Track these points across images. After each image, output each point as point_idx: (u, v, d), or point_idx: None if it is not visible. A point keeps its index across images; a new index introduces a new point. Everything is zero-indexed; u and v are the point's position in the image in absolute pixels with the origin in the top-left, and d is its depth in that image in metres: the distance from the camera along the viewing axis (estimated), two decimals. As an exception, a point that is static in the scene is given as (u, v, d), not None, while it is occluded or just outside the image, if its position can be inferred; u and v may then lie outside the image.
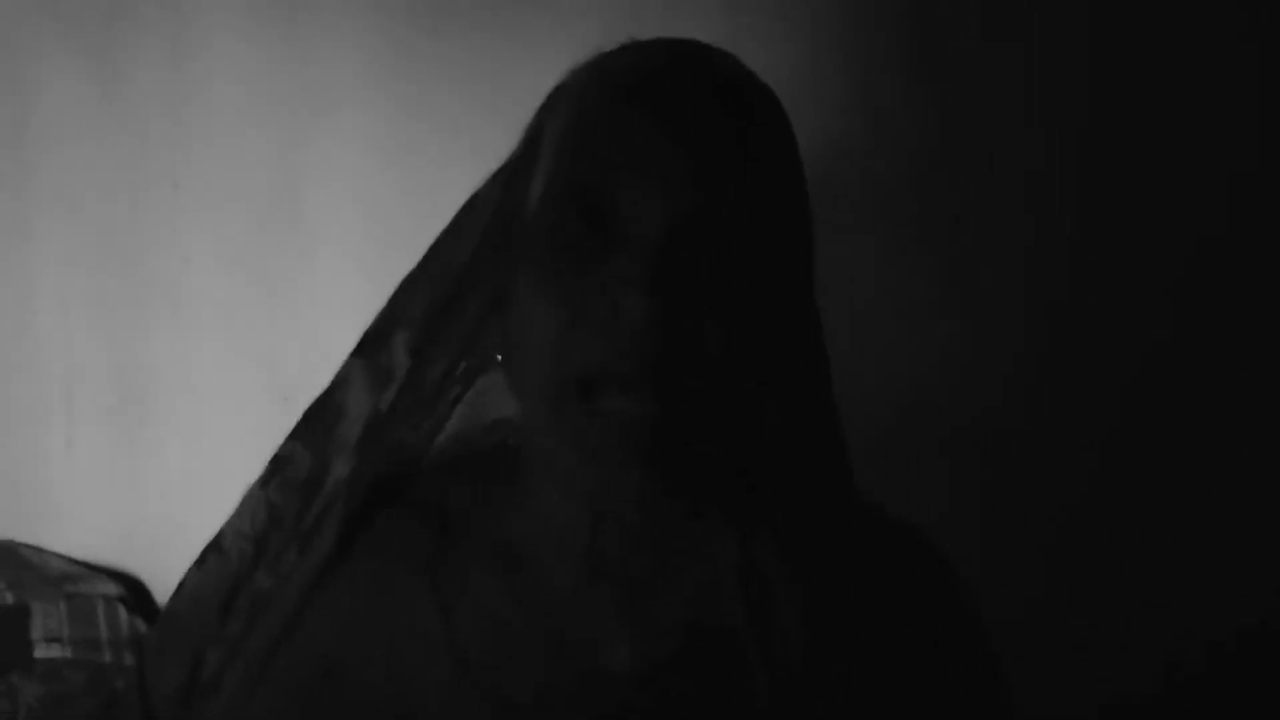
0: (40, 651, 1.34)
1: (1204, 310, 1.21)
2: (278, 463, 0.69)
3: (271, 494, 0.68)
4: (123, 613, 1.40)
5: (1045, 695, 0.98)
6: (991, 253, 1.23)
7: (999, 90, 1.20)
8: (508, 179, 0.66)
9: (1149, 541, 1.24)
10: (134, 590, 1.46)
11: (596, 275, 0.57)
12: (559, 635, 0.64)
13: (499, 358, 0.67)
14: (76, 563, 1.46)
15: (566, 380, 0.58)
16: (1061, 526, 1.24)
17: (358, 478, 0.67)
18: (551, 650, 0.63)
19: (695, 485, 0.63)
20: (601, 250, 0.58)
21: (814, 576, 0.65)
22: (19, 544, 1.48)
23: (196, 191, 1.40)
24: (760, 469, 0.66)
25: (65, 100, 1.41)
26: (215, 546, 0.69)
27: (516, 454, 0.69)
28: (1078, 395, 1.24)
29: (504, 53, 1.30)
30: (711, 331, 0.57)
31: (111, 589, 1.42)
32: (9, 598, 1.36)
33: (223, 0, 1.36)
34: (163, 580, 1.48)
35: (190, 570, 0.70)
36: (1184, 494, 1.23)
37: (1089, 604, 1.24)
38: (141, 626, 1.40)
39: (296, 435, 0.70)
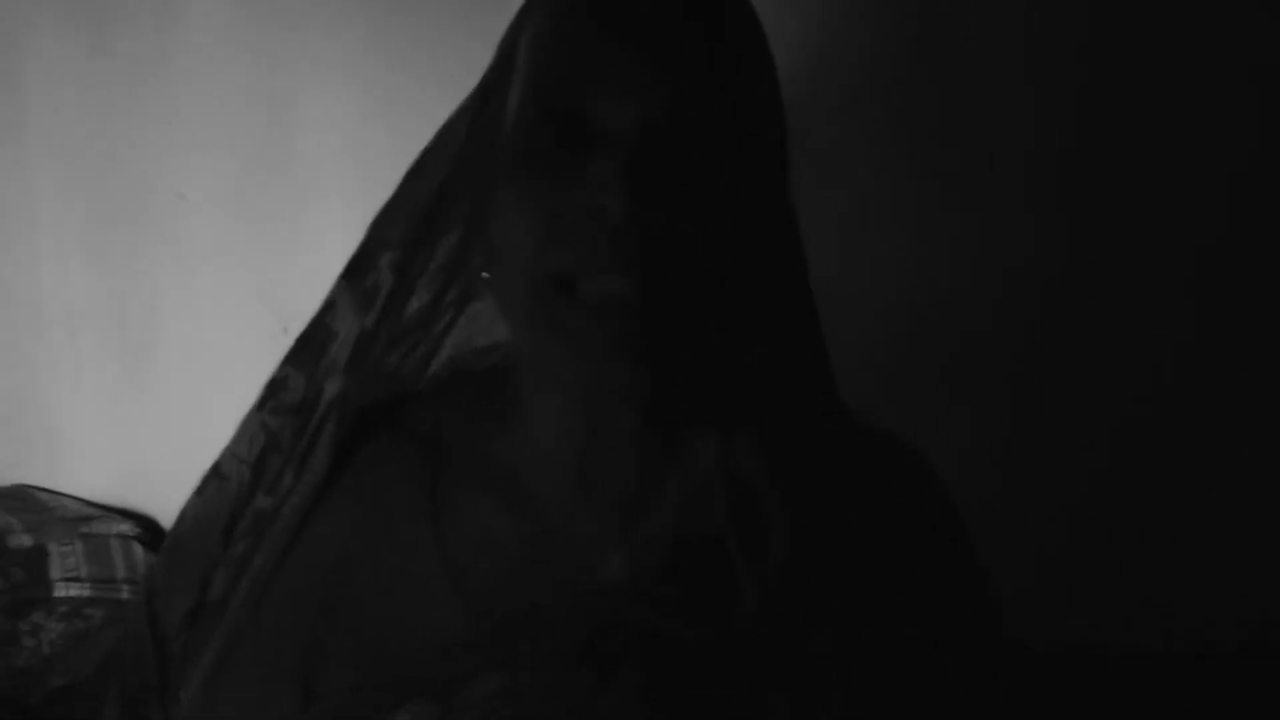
0: (60, 591, 1.36)
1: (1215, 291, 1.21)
2: (272, 386, 0.70)
3: (267, 418, 0.69)
4: (138, 550, 1.42)
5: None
6: (989, 156, 1.22)
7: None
8: (483, 94, 0.66)
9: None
10: (148, 528, 1.47)
11: (574, 180, 0.58)
12: (552, 550, 0.64)
13: (484, 275, 0.67)
14: (90, 504, 1.48)
15: (547, 279, 0.59)
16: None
17: (346, 397, 0.68)
18: (545, 564, 0.64)
19: (678, 384, 0.63)
20: (578, 156, 0.58)
21: (797, 481, 0.65)
22: (33, 488, 1.50)
23: (190, 130, 1.39)
24: (741, 371, 0.67)
25: (57, 43, 1.40)
26: (215, 473, 0.70)
27: (507, 375, 0.69)
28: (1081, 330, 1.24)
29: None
30: (688, 228, 0.58)
31: (126, 528, 1.43)
32: (27, 540, 1.38)
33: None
34: (174, 516, 1.50)
35: (191, 498, 0.71)
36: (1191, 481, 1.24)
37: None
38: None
39: (289, 360, 0.70)
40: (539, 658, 0.60)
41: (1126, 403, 1.24)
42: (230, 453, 0.70)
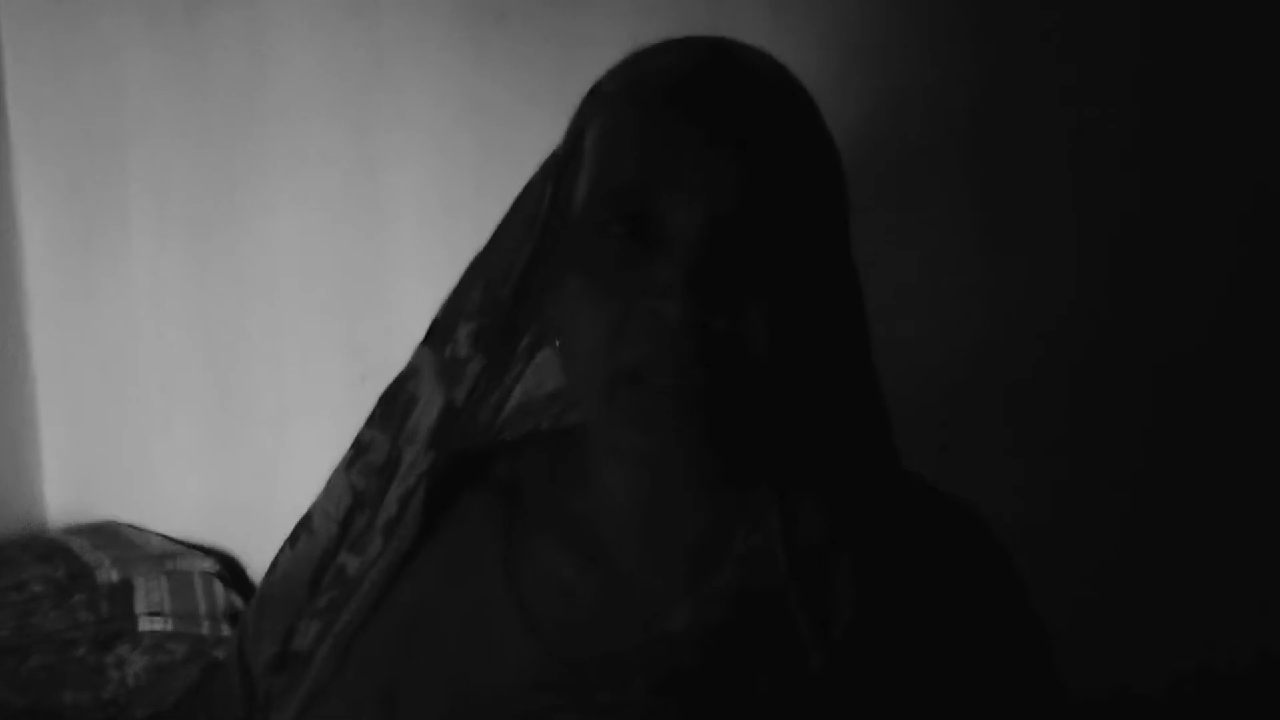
0: (144, 625, 1.42)
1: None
2: (358, 448, 0.73)
3: (354, 478, 0.73)
4: (219, 587, 1.48)
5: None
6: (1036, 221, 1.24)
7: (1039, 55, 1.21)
8: (555, 175, 0.69)
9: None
10: (228, 566, 1.54)
11: (638, 279, 0.60)
12: (620, 600, 0.67)
13: (556, 343, 0.71)
14: (175, 541, 1.55)
15: (616, 376, 0.61)
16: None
17: (436, 468, 0.71)
18: (613, 614, 0.67)
19: (744, 456, 0.66)
20: (642, 254, 0.61)
21: (860, 544, 0.68)
22: (121, 524, 1.56)
23: (279, 184, 1.47)
24: (805, 441, 0.69)
25: (155, 103, 1.48)
26: (305, 526, 0.74)
27: (575, 437, 0.73)
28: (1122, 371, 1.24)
29: (564, 30, 1.34)
30: (751, 326, 0.60)
31: (208, 565, 1.50)
32: (114, 574, 1.44)
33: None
34: (254, 556, 1.56)
35: (283, 548, 0.75)
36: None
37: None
38: (236, 600, 1.48)
39: (372, 422, 0.74)
40: (614, 701, 0.63)
41: (1172, 442, 1.24)
42: (320, 508, 0.74)
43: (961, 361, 1.26)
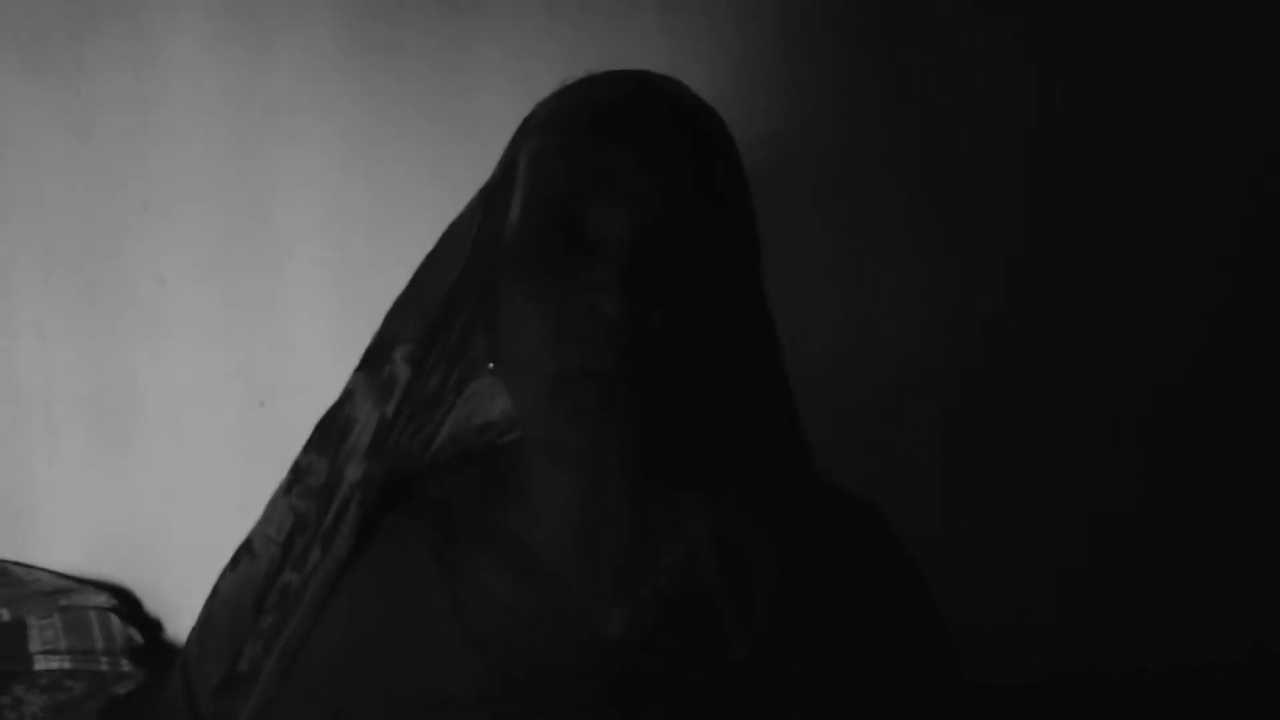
0: (40, 664, 1.38)
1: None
2: (297, 472, 0.76)
3: (295, 501, 0.75)
4: (115, 622, 1.45)
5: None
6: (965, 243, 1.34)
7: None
8: (488, 203, 0.74)
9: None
10: (124, 600, 1.50)
11: (575, 282, 0.65)
12: (557, 610, 0.71)
13: (490, 366, 0.74)
14: (66, 577, 1.51)
15: (560, 373, 0.66)
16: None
17: (370, 480, 0.74)
18: (551, 625, 0.71)
19: (675, 452, 0.71)
20: (576, 261, 0.66)
21: (778, 543, 0.73)
22: (8, 562, 1.52)
23: (166, 210, 1.45)
24: (724, 441, 0.74)
25: (35, 130, 1.45)
26: (246, 550, 0.76)
27: (505, 452, 0.76)
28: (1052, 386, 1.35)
29: (457, 64, 1.37)
30: (679, 326, 0.66)
31: (103, 600, 1.46)
32: (5, 614, 1.40)
33: (184, 19, 1.41)
34: (151, 589, 1.53)
35: (224, 573, 0.76)
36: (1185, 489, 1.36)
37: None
38: (135, 635, 1.45)
39: (311, 447, 0.76)
40: (556, 705, 0.66)
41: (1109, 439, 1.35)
42: (261, 532, 0.76)
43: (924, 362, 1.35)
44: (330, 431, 0.76)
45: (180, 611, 1.51)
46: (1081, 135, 1.31)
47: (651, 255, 0.65)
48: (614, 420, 0.65)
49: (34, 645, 1.39)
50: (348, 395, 0.77)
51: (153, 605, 1.52)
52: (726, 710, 0.68)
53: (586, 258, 0.65)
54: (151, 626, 1.51)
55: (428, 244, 0.78)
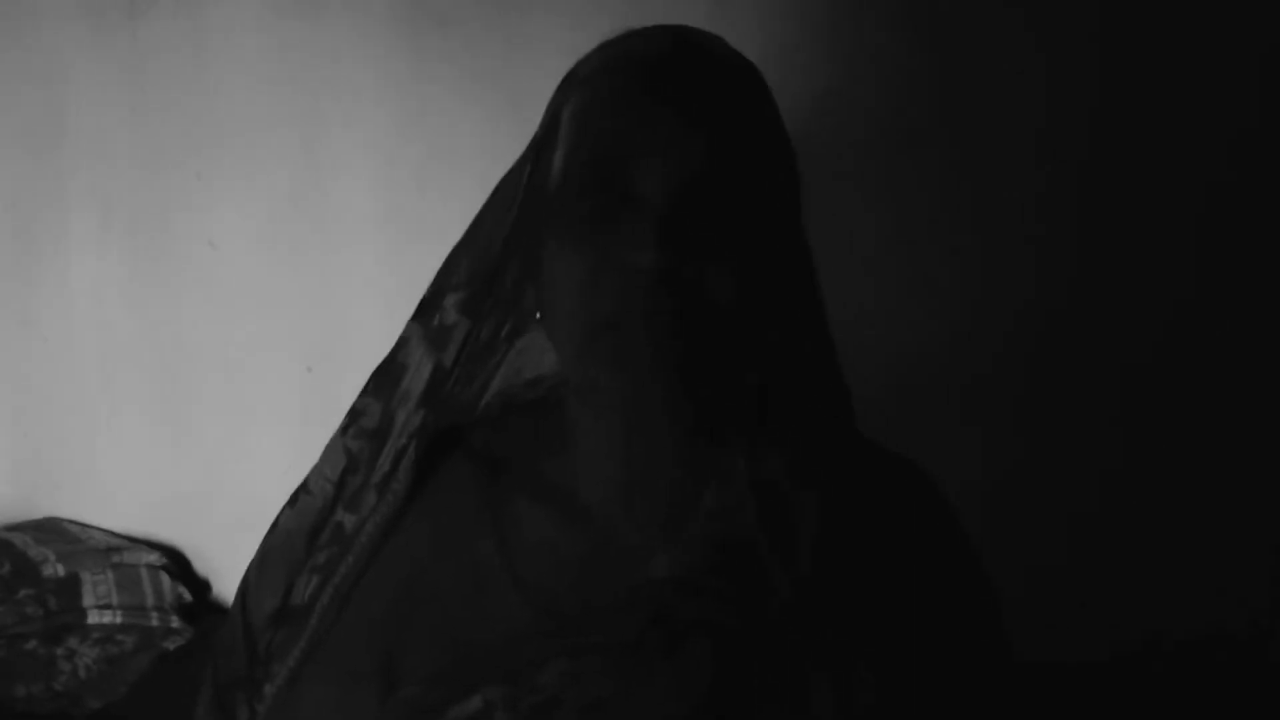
0: (93, 618, 1.43)
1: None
2: (353, 415, 0.78)
3: (349, 442, 0.77)
4: (165, 580, 1.49)
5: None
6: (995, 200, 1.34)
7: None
8: (534, 157, 0.75)
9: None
10: (174, 559, 1.55)
11: (614, 234, 0.66)
12: (603, 554, 0.73)
13: (538, 315, 0.77)
14: (119, 535, 1.56)
15: (594, 324, 0.67)
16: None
17: (425, 428, 0.76)
18: (597, 567, 0.73)
19: (715, 403, 0.72)
20: (616, 212, 0.67)
21: (822, 491, 0.74)
22: (64, 520, 1.57)
23: (219, 179, 1.49)
24: (767, 394, 0.76)
25: (95, 102, 1.49)
26: (304, 488, 0.78)
27: (552, 405, 0.78)
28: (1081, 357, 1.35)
29: (510, 33, 1.39)
30: (716, 278, 0.67)
31: (154, 558, 1.51)
32: (60, 570, 1.45)
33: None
34: (200, 549, 1.58)
35: (283, 509, 0.79)
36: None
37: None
38: (184, 592, 1.50)
39: (366, 391, 0.79)
40: (603, 644, 0.68)
41: (1118, 423, 1.35)
42: (317, 471, 0.78)
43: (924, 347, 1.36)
44: (385, 377, 0.78)
45: (227, 572, 1.55)
46: (1103, 120, 1.32)
47: (690, 209, 0.66)
48: (651, 371, 0.67)
49: (87, 600, 1.44)
50: (402, 343, 0.79)
51: (201, 565, 1.57)
52: (759, 658, 0.70)
53: (626, 211, 0.67)
54: (200, 585, 1.55)
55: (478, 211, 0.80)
